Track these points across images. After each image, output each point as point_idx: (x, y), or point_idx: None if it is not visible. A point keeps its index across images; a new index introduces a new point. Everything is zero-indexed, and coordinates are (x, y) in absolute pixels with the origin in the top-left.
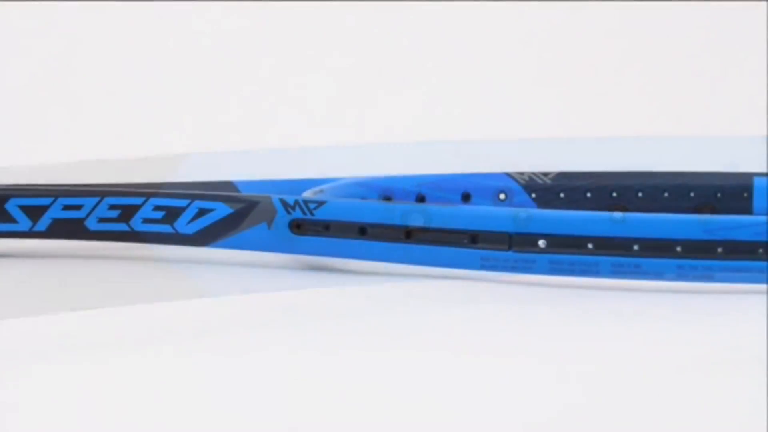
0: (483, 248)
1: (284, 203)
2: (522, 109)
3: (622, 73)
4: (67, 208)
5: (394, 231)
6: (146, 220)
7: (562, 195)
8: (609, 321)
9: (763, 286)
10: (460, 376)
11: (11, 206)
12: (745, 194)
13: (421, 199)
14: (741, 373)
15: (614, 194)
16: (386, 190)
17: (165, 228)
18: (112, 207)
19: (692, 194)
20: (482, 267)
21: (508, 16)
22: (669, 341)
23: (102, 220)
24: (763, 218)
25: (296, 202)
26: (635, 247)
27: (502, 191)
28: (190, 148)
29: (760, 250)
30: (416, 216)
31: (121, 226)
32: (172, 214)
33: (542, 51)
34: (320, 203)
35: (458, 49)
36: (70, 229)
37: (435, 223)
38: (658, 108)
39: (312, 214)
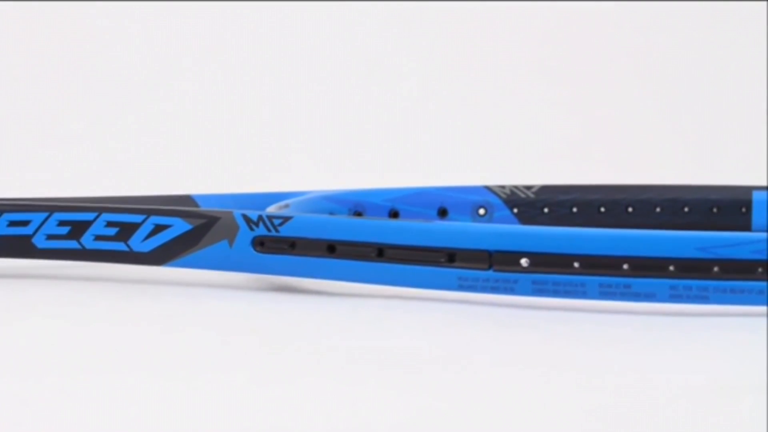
0: (461, 267)
1: (247, 219)
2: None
3: (616, 77)
4: (12, 224)
5: (365, 249)
6: (98, 237)
7: (546, 210)
8: (596, 346)
9: (762, 308)
10: (435, 404)
11: None
12: (744, 209)
13: (394, 214)
14: (738, 403)
15: (602, 209)
16: (357, 205)
17: (118, 245)
18: (62, 223)
19: (686, 209)
20: (460, 287)
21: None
22: (661, 368)
23: (51, 237)
24: (762, 235)
25: (260, 217)
26: (625, 266)
27: (481, 206)
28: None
29: (759, 270)
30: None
31: (72, 244)
32: (126, 231)
33: (535, 52)
34: (286, 219)
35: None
36: (16, 246)
37: (409, 241)
38: (651, 115)
39: (277, 230)
